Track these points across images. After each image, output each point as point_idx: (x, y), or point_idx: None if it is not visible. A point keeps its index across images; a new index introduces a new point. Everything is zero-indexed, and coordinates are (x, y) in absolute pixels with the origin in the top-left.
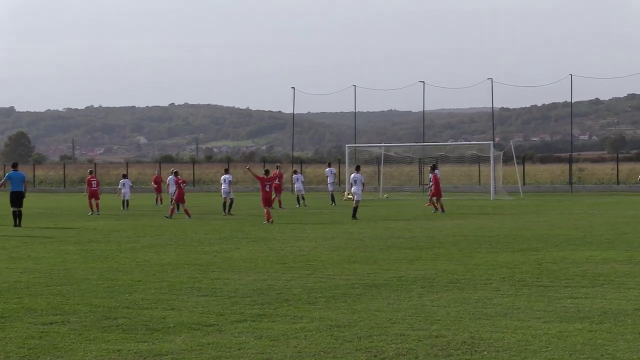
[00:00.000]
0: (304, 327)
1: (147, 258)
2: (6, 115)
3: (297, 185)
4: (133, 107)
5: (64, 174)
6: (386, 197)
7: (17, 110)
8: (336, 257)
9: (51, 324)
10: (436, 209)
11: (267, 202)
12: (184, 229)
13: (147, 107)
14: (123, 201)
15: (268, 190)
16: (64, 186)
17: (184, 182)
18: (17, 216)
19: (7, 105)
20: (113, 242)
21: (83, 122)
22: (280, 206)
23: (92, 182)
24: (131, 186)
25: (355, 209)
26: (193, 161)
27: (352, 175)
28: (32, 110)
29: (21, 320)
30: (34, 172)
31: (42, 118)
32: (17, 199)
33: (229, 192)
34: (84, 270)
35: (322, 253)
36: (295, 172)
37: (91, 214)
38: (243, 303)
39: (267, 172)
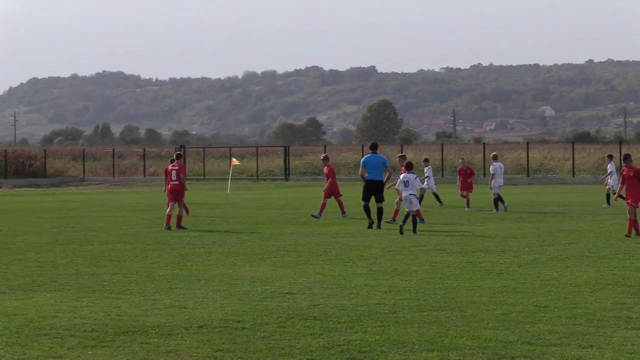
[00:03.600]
0: None
1: (555, 275)
2: (365, 78)
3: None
4: (536, 65)
5: (442, 158)
6: None
7: (379, 72)
8: None
9: None
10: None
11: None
12: (607, 236)
13: (555, 65)
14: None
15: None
16: (442, 175)
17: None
18: (377, 214)
19: (365, 65)
20: (509, 251)
21: (467, 87)
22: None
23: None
24: None
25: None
26: (619, 140)
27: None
28: (400, 71)
29: (386, 356)
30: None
31: (412, 82)
32: (372, 190)
33: None
34: (469, 290)
35: None
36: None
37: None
38: None
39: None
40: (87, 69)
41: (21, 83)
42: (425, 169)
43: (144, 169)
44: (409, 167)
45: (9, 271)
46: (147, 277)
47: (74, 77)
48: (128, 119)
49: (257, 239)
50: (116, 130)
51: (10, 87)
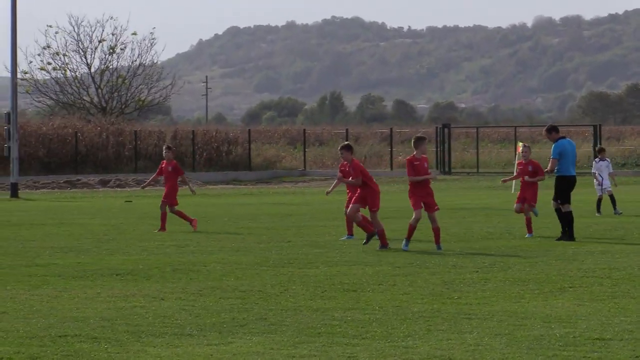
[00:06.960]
0: None
1: None
2: None
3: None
4: None
5: None
6: None
7: None
8: None
9: None
10: None
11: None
12: None
13: None
14: None
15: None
16: None
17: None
18: (567, 222)
19: None
20: None
21: None
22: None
23: None
24: None
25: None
26: None
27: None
28: None
29: None
30: None
31: None
32: (571, 190)
33: None
34: None
35: None
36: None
37: None
38: None
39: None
40: (308, 15)
41: (216, 35)
42: (600, 164)
43: (391, 158)
44: None
45: (199, 304)
46: (395, 315)
47: (290, 25)
48: (368, 86)
49: (554, 261)
50: (351, 102)
51: (200, 40)
